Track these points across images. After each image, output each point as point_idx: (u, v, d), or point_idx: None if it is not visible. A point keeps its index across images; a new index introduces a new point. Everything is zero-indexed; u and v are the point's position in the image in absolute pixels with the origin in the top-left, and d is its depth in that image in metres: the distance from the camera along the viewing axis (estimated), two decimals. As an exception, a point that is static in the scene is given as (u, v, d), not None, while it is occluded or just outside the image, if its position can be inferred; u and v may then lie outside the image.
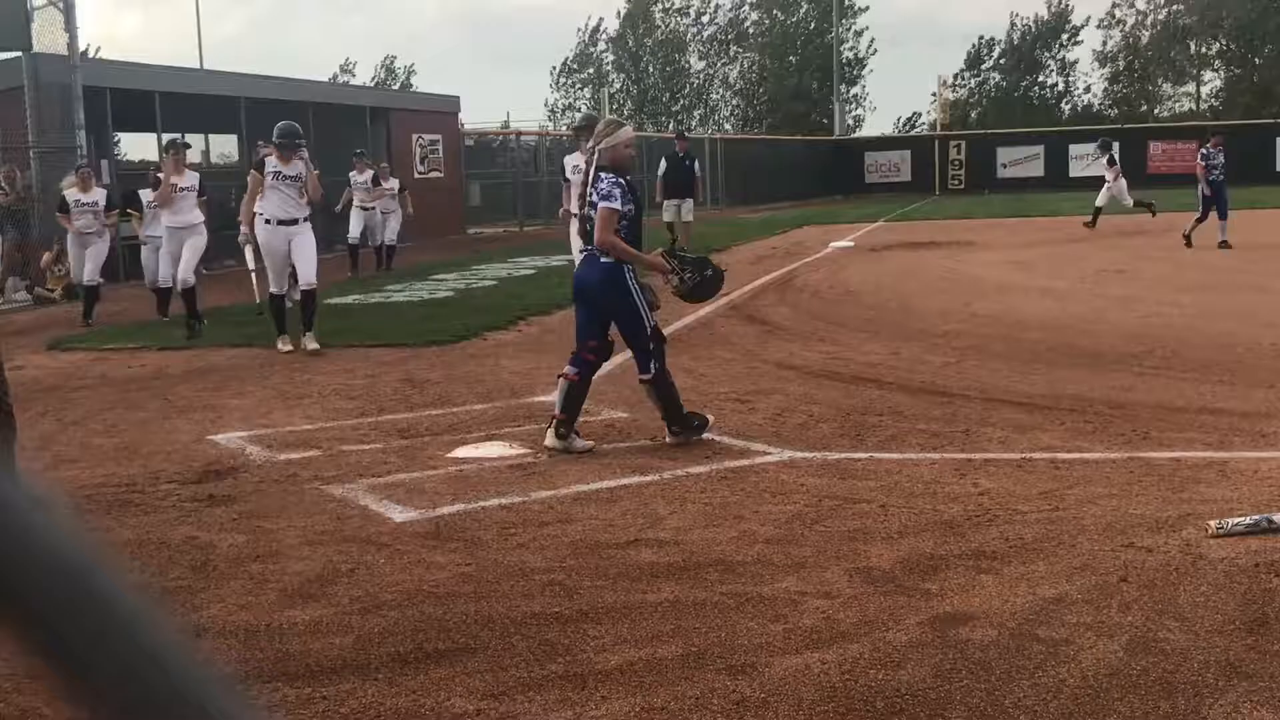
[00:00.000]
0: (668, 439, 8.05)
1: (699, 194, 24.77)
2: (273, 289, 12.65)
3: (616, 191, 7.88)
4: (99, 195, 16.77)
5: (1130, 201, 26.77)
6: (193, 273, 14.27)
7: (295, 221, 12.28)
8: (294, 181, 12.28)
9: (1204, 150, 23.50)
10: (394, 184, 22.39)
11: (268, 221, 12.24)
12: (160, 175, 15.28)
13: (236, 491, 7.14)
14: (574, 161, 10.38)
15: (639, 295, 7.97)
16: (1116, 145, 29.17)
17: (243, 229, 14.22)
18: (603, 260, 7.94)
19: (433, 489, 6.99)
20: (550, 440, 7.83)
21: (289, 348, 12.25)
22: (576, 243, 10.47)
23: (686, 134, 34.63)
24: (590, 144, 8.27)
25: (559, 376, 8.07)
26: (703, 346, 12.25)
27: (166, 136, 22.98)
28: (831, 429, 8.30)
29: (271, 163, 12.34)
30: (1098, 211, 26.83)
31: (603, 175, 7.97)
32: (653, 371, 8.00)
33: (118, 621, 0.65)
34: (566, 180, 14.08)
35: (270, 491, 7.11)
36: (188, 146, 16.23)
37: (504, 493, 6.85)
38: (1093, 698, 4.01)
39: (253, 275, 15.43)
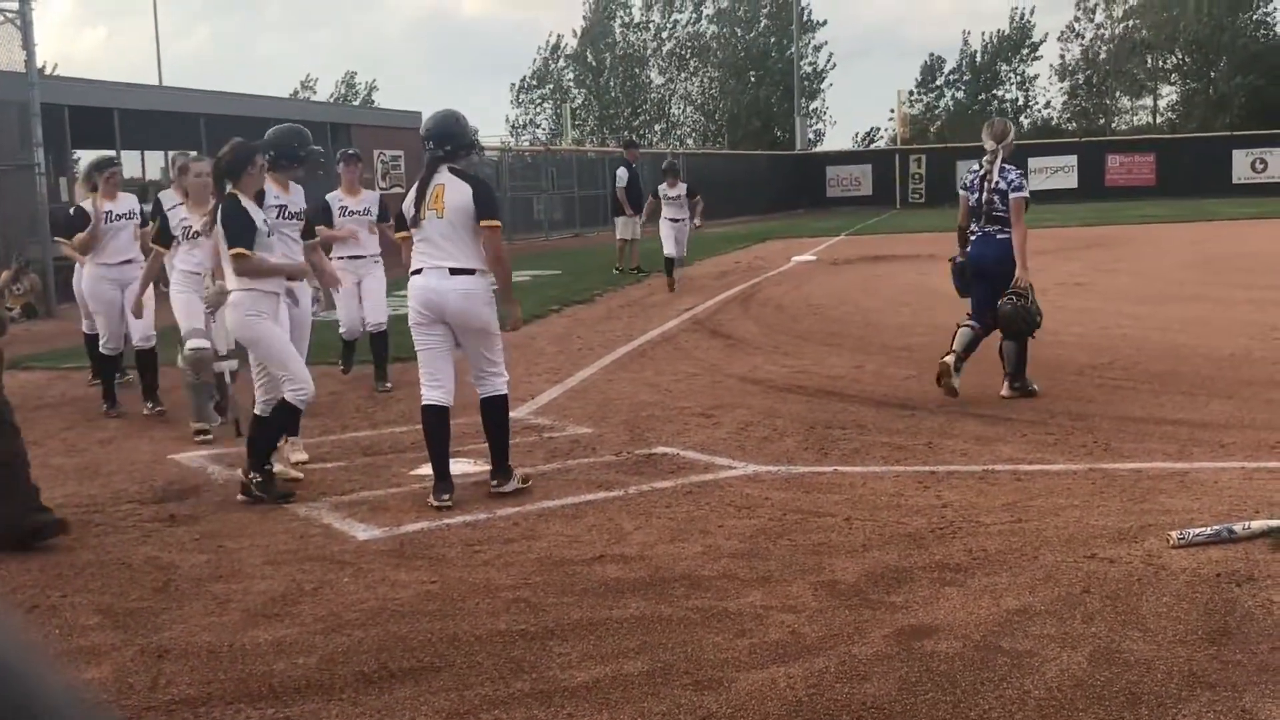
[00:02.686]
0: (1004, 393, 9.53)
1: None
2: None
3: (1025, 182, 9.63)
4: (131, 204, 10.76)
5: (680, 254, 20.09)
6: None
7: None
8: (296, 221, 8.10)
9: None
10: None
11: None
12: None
13: (198, 511, 7.09)
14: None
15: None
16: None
17: (214, 281, 7.86)
18: (998, 238, 9.47)
19: (396, 506, 6.96)
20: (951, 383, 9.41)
21: (293, 472, 7.75)
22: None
23: (639, 143, 34.29)
24: (992, 143, 9.49)
25: (960, 325, 9.61)
26: (666, 361, 12.26)
27: (125, 154, 22.89)
28: (795, 442, 8.32)
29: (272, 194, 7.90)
30: (670, 263, 19.90)
31: (1008, 167, 9.52)
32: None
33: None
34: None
35: (232, 511, 7.06)
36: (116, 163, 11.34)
37: (468, 510, 6.83)
38: (1057, 709, 4.02)
39: (224, 370, 8.94)
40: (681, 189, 20.29)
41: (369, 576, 5.71)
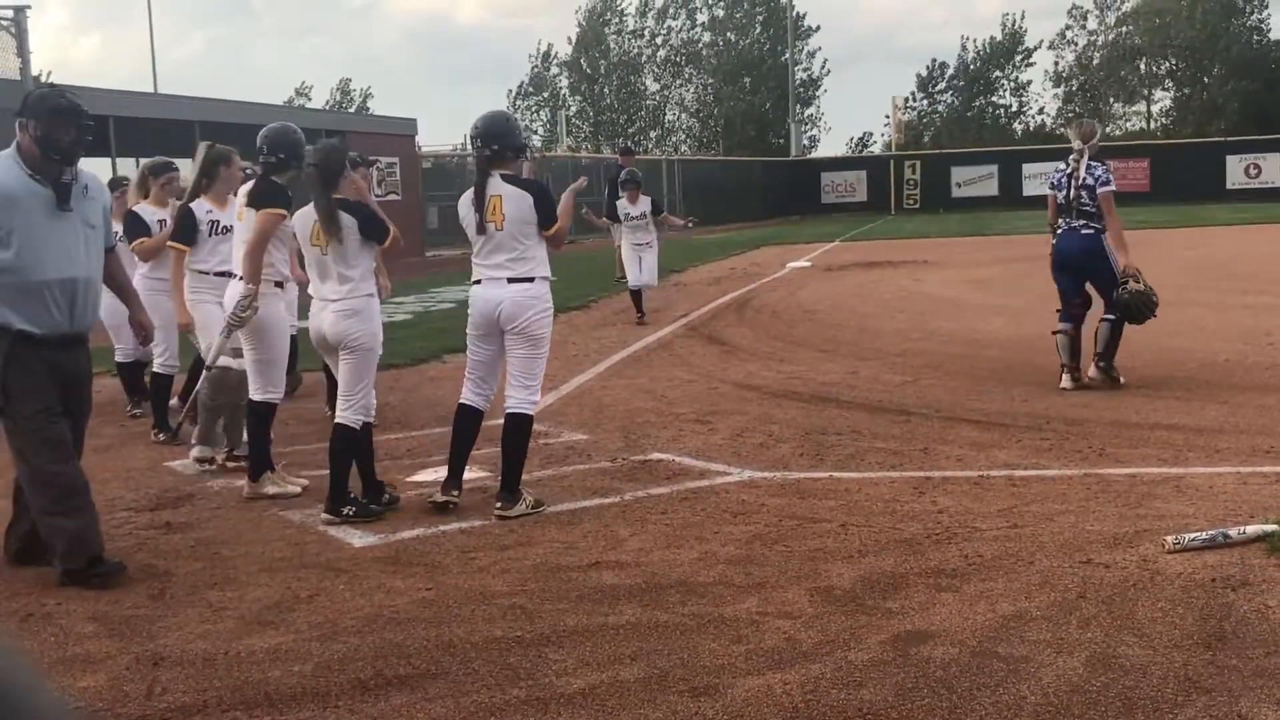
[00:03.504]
0: (1091, 374, 10.20)
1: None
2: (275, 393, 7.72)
3: (1113, 178, 10.29)
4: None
5: (650, 281, 16.79)
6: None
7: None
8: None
9: None
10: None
11: (279, 285, 7.61)
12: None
13: (194, 518, 7.08)
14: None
15: (1114, 260, 10.06)
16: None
17: (245, 290, 7.35)
18: (1083, 232, 10.12)
19: (392, 513, 6.95)
20: (1066, 383, 10.14)
21: (290, 487, 7.60)
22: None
23: (634, 150, 33.93)
24: (1079, 143, 10.25)
25: (1055, 333, 10.32)
26: (662, 367, 12.26)
27: (121, 161, 22.84)
28: (791, 448, 8.32)
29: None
30: (637, 295, 16.64)
31: (1095, 164, 10.16)
32: (1116, 316, 10.13)
33: None
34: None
35: (228, 518, 7.06)
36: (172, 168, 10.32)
37: (464, 516, 6.82)
38: (1053, 715, 4.02)
39: (199, 396, 8.40)
40: (645, 205, 16.58)
41: (365, 584, 5.70)
